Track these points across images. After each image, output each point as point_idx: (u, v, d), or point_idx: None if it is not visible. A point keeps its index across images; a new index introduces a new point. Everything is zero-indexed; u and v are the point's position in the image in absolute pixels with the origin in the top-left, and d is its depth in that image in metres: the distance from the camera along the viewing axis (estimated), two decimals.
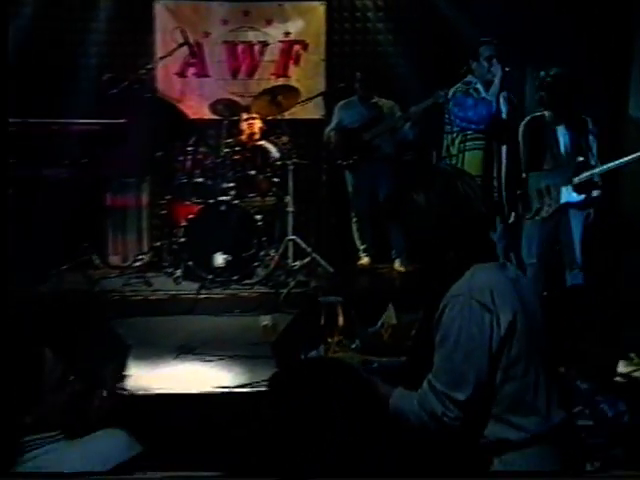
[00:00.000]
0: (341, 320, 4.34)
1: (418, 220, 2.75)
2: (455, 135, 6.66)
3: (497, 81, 6.47)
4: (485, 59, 6.52)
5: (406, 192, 2.77)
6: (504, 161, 6.60)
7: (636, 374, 5.08)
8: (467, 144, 6.49)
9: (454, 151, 6.56)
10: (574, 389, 2.80)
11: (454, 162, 6.47)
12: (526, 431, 2.49)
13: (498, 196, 6.57)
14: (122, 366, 4.61)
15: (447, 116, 6.73)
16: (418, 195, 2.72)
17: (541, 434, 2.50)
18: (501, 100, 6.54)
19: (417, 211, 2.74)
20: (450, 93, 6.72)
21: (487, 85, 6.57)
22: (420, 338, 3.16)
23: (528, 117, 6.48)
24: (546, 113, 6.28)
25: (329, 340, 4.19)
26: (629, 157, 6.02)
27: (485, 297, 2.56)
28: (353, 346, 4.32)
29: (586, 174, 6.09)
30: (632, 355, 5.31)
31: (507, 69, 6.45)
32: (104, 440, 2.80)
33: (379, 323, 5.06)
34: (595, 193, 6.17)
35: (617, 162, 6.12)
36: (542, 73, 6.29)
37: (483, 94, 6.55)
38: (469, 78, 6.68)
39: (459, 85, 6.71)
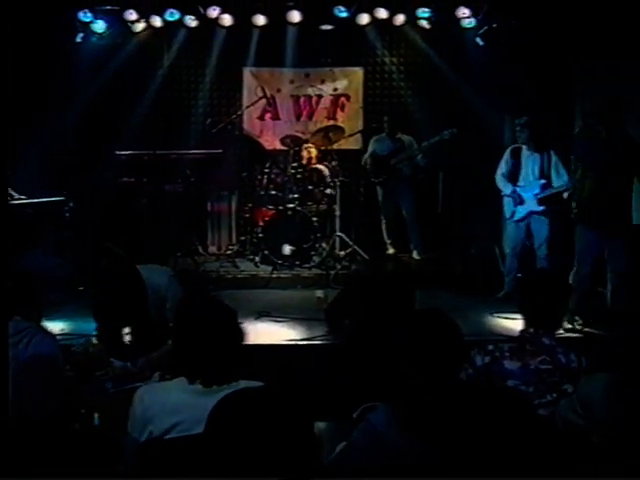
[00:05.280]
0: None
1: None
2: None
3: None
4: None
5: None
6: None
7: (576, 334, 5.23)
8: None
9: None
10: (540, 343, 2.93)
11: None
12: None
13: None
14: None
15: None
16: None
17: None
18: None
19: None
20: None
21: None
22: None
23: (509, 148, 6.50)
24: (523, 146, 6.31)
25: None
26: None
27: None
28: None
29: (546, 192, 6.19)
30: (577, 318, 5.43)
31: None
32: None
33: None
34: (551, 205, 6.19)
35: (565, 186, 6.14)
36: (516, 120, 6.37)
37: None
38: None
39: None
